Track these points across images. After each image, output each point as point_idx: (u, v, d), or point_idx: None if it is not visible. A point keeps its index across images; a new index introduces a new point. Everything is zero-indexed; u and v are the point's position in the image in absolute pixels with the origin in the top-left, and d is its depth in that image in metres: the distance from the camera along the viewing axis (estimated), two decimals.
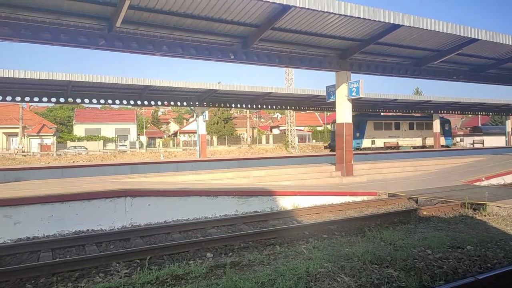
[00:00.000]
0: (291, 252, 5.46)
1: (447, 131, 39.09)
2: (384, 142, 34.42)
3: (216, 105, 27.07)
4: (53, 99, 21.16)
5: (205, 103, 25.39)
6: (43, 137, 53.06)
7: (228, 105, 28.19)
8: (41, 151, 44.92)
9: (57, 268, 5.23)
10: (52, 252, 6.30)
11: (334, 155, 15.60)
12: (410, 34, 12.70)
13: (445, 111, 39.03)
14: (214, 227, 7.84)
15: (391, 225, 7.52)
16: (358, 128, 32.83)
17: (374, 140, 34.00)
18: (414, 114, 38.68)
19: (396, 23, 11.16)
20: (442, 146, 36.97)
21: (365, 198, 10.92)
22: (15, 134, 50.03)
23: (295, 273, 4.33)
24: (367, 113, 34.51)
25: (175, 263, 5.34)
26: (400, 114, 38.18)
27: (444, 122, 39.00)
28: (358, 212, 9.36)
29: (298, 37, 12.65)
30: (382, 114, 39.23)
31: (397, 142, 35.64)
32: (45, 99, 20.87)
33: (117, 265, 5.47)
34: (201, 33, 11.65)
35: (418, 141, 37.05)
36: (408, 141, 36.42)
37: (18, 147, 46.76)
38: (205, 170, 15.09)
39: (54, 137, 53.44)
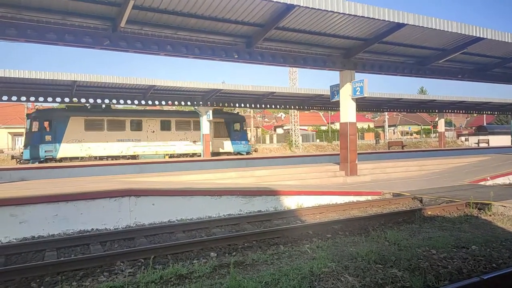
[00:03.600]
0: (295, 251, 5.46)
1: (237, 133, 28.93)
2: (104, 148, 23.92)
3: (220, 105, 27.09)
4: (58, 99, 21.32)
5: (209, 103, 25.44)
6: None
7: (232, 105, 28.19)
8: None
9: (62, 267, 5.26)
10: (57, 251, 6.34)
11: (338, 154, 15.58)
12: (414, 33, 12.64)
13: (450, 111, 38.31)
14: (218, 227, 7.85)
15: (396, 225, 7.50)
16: (51, 128, 22.71)
17: (85, 146, 23.32)
18: (172, 109, 27.24)
19: (401, 22, 11.12)
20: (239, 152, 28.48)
21: (369, 197, 10.89)
22: (21, 134, 50.32)
23: (299, 272, 4.32)
24: (76, 105, 23.53)
25: (179, 262, 5.35)
26: (152, 109, 28.00)
27: (232, 121, 29.07)
28: (362, 211, 9.33)
29: (302, 37, 12.64)
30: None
31: (140, 148, 25.25)
32: (50, 99, 21.05)
33: (122, 264, 5.49)
34: (205, 33, 11.67)
35: (182, 147, 26.90)
36: (162, 147, 25.91)
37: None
38: (209, 170, 15.12)
39: None
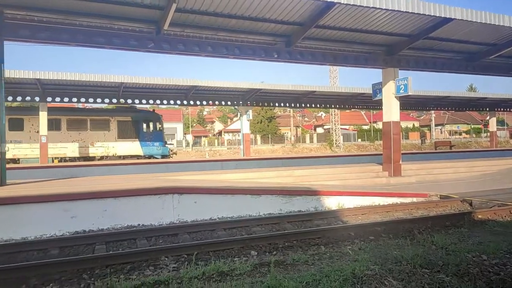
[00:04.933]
0: (336, 253, 5.38)
1: (148, 134, 25.03)
2: None
3: (260, 104, 27.30)
4: (106, 100, 22.40)
5: (248, 102, 25.66)
6: None
7: (271, 104, 28.30)
8: None
9: (111, 260, 5.50)
10: (106, 245, 6.64)
11: (380, 154, 15.18)
12: (462, 28, 12.07)
13: (502, 109, 36.11)
14: (258, 226, 7.89)
15: (443, 229, 7.19)
16: None
17: None
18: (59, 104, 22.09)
19: (447, 16, 10.66)
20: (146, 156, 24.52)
21: (414, 199, 10.51)
22: None
23: (340, 274, 4.26)
24: None
25: (221, 259, 5.43)
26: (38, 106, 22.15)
27: (142, 120, 25.09)
28: (407, 214, 9.03)
29: (342, 34, 12.44)
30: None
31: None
32: (99, 99, 22.17)
33: (166, 259, 5.66)
34: (245, 33, 11.78)
35: (75, 149, 23.16)
36: (49, 149, 21.47)
37: None
38: (248, 169, 15.24)
39: None
